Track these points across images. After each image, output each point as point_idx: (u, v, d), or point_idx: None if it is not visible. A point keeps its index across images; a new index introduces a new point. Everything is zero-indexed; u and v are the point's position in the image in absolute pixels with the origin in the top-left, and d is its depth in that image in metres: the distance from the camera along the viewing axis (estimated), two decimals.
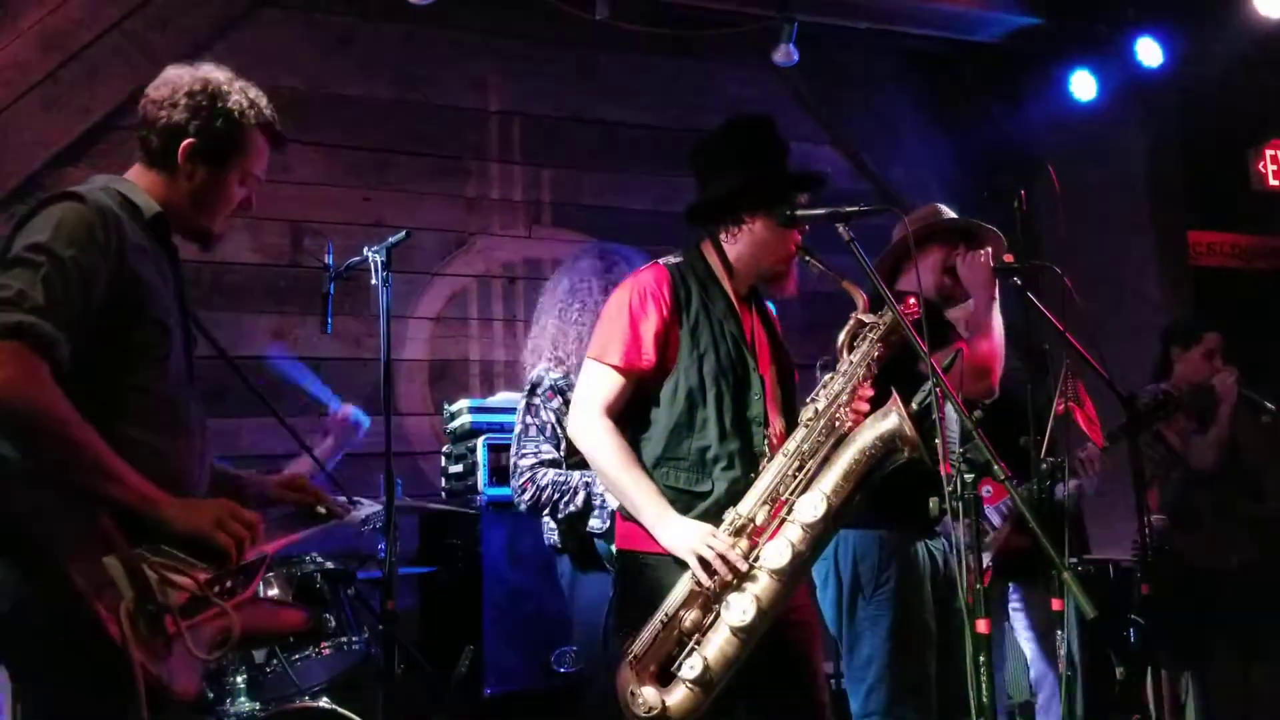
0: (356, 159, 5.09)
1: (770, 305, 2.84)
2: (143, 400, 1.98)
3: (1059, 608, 3.33)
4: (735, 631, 2.36)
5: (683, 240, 2.78)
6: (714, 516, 2.45)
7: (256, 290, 4.86)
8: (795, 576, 2.41)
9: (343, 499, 2.46)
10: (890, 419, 2.42)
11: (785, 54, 5.26)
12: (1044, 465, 3.16)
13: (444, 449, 4.71)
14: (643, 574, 2.52)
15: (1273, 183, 6.27)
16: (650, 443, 2.56)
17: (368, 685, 3.55)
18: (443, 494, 4.69)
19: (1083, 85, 5.75)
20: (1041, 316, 3.22)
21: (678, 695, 2.36)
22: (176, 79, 2.14)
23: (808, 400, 2.56)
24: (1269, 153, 6.27)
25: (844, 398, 2.50)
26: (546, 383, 3.51)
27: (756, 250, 2.64)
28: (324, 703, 3.33)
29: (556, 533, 3.51)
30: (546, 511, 3.46)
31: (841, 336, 2.58)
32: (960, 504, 2.35)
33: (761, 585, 2.38)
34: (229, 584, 1.99)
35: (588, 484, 3.36)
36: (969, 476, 2.34)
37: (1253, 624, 4.12)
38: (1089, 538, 4.75)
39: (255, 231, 4.87)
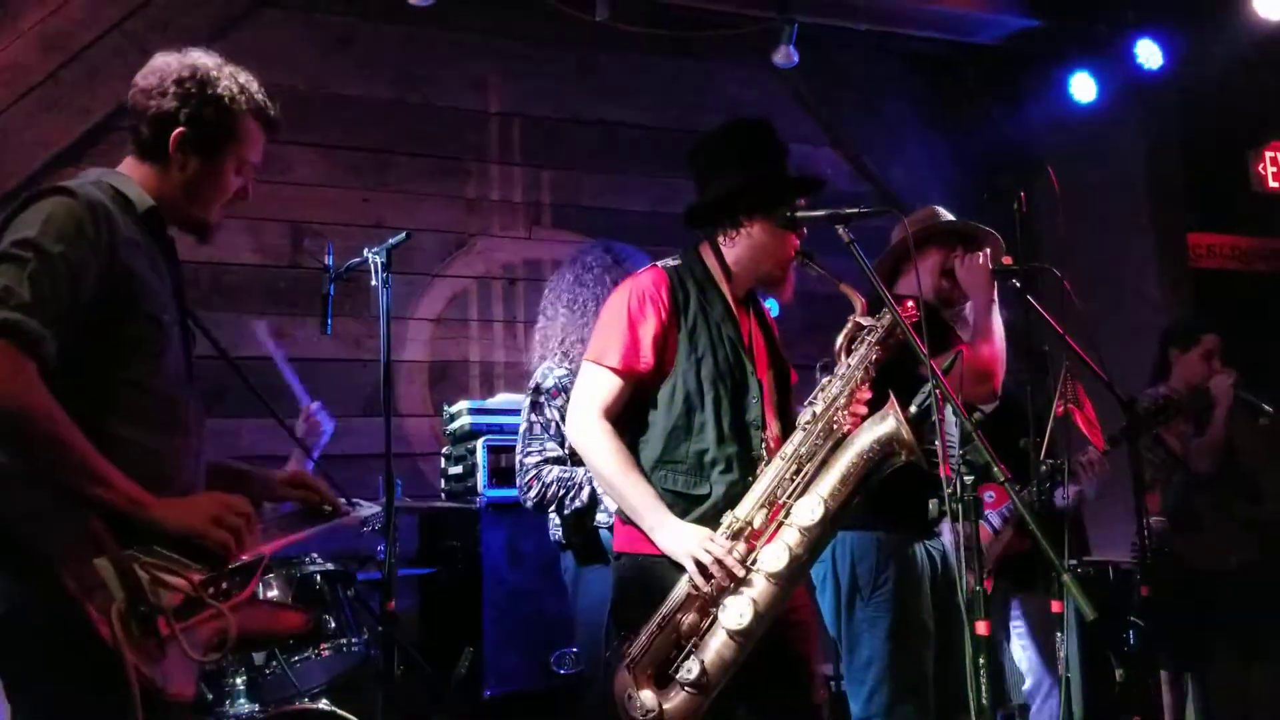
0: (356, 160, 5.09)
1: (771, 306, 2.84)
2: (136, 397, 1.94)
3: (1059, 610, 3.34)
4: (732, 635, 2.36)
5: (682, 242, 2.78)
6: (712, 520, 2.45)
7: (256, 291, 4.87)
8: (793, 580, 2.41)
9: (341, 500, 2.44)
10: (887, 422, 2.42)
11: (785, 55, 5.26)
12: (1044, 467, 3.16)
13: (444, 450, 4.71)
14: (641, 576, 2.52)
15: (1272, 184, 6.27)
16: (648, 445, 2.55)
17: (367, 687, 3.55)
18: (442, 495, 4.69)
19: (1082, 87, 5.75)
20: (1041, 318, 3.22)
21: (675, 698, 2.36)
22: (164, 67, 2.08)
23: (805, 403, 2.56)
24: (1269, 154, 6.27)
25: (841, 401, 2.50)
26: (551, 381, 3.52)
27: (755, 253, 2.64)
28: (323, 704, 3.33)
29: (561, 529, 3.52)
30: (552, 508, 3.47)
31: (840, 339, 2.58)
32: (960, 506, 2.36)
33: (759, 588, 2.38)
34: (225, 585, 1.94)
35: (592, 480, 3.37)
36: (969, 479, 2.34)
37: (1253, 625, 4.12)
38: (1089, 540, 4.76)
39: (255, 232, 4.87)
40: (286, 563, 3.46)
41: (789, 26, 5.22)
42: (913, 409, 2.46)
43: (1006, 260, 3.25)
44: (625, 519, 2.56)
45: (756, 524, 2.42)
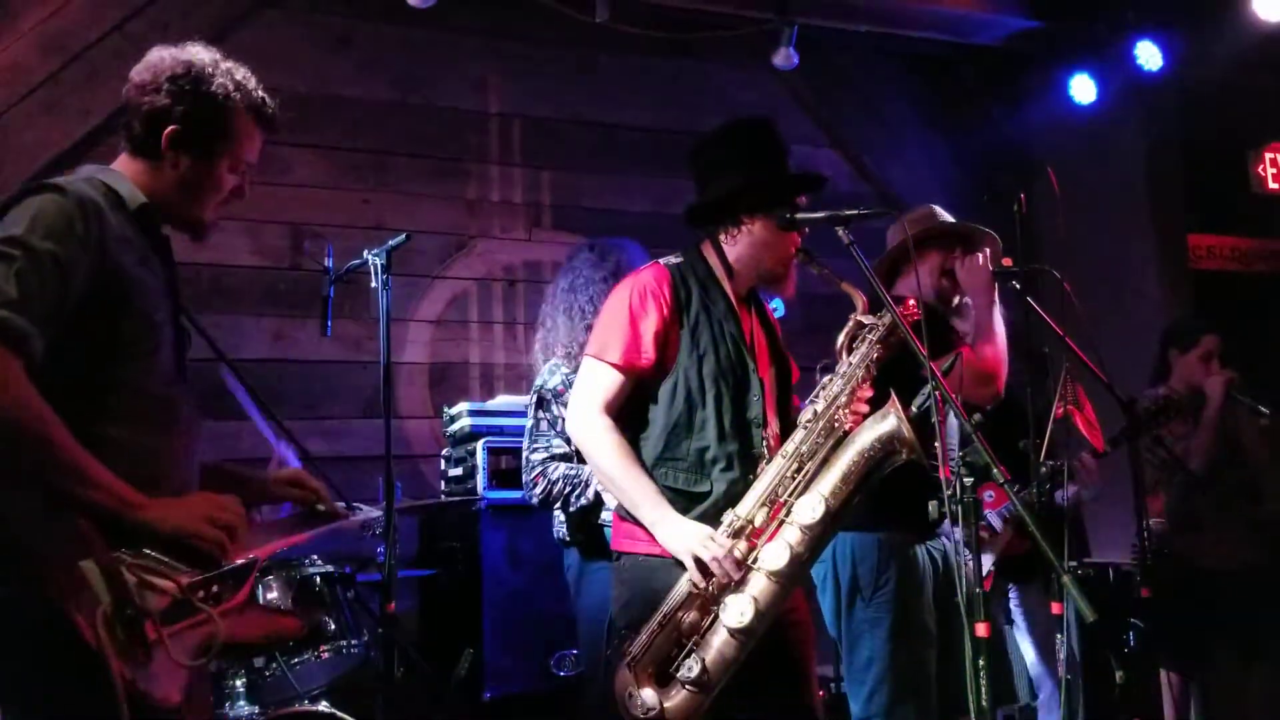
0: (356, 161, 5.09)
1: (778, 306, 2.84)
2: (128, 397, 1.91)
3: (1059, 611, 3.33)
4: (733, 633, 2.36)
5: (682, 243, 2.78)
6: (712, 517, 2.45)
7: (256, 293, 4.87)
8: (793, 578, 2.41)
9: (341, 504, 2.43)
10: (888, 421, 2.42)
11: (785, 57, 5.27)
12: (1043, 469, 3.16)
13: (444, 452, 4.71)
14: (641, 575, 2.52)
15: (1272, 185, 6.27)
16: (649, 442, 2.55)
17: (367, 688, 3.55)
18: (442, 497, 4.69)
19: (1082, 88, 5.75)
20: (1041, 319, 3.22)
21: (676, 697, 2.36)
22: (159, 62, 2.04)
23: (807, 402, 2.57)
24: (1268, 155, 6.28)
25: (843, 399, 2.50)
26: (558, 378, 3.53)
27: (756, 251, 2.64)
28: (323, 706, 3.33)
29: (566, 526, 3.52)
30: (558, 505, 3.47)
31: (841, 338, 2.58)
32: (960, 507, 2.36)
33: (759, 587, 2.38)
34: (216, 589, 1.90)
35: None
36: (969, 480, 2.34)
37: (1253, 625, 4.12)
38: (1088, 541, 4.75)
39: (255, 234, 4.87)
40: (286, 564, 3.46)
41: (788, 28, 5.22)
42: (913, 410, 2.46)
43: (1006, 261, 3.25)
44: (624, 516, 2.56)
45: (758, 522, 2.42)
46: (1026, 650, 4.08)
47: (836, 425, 2.48)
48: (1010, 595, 4.10)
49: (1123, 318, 5.44)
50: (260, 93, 2.11)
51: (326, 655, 3.40)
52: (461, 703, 4.10)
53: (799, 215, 2.59)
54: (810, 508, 2.40)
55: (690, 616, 2.40)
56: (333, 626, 3.43)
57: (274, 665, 3.28)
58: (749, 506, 2.43)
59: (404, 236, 3.37)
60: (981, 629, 2.33)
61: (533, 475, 3.50)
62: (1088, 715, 3.90)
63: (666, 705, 2.36)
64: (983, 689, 2.28)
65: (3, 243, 1.80)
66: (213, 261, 4.73)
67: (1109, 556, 4.72)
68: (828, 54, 5.83)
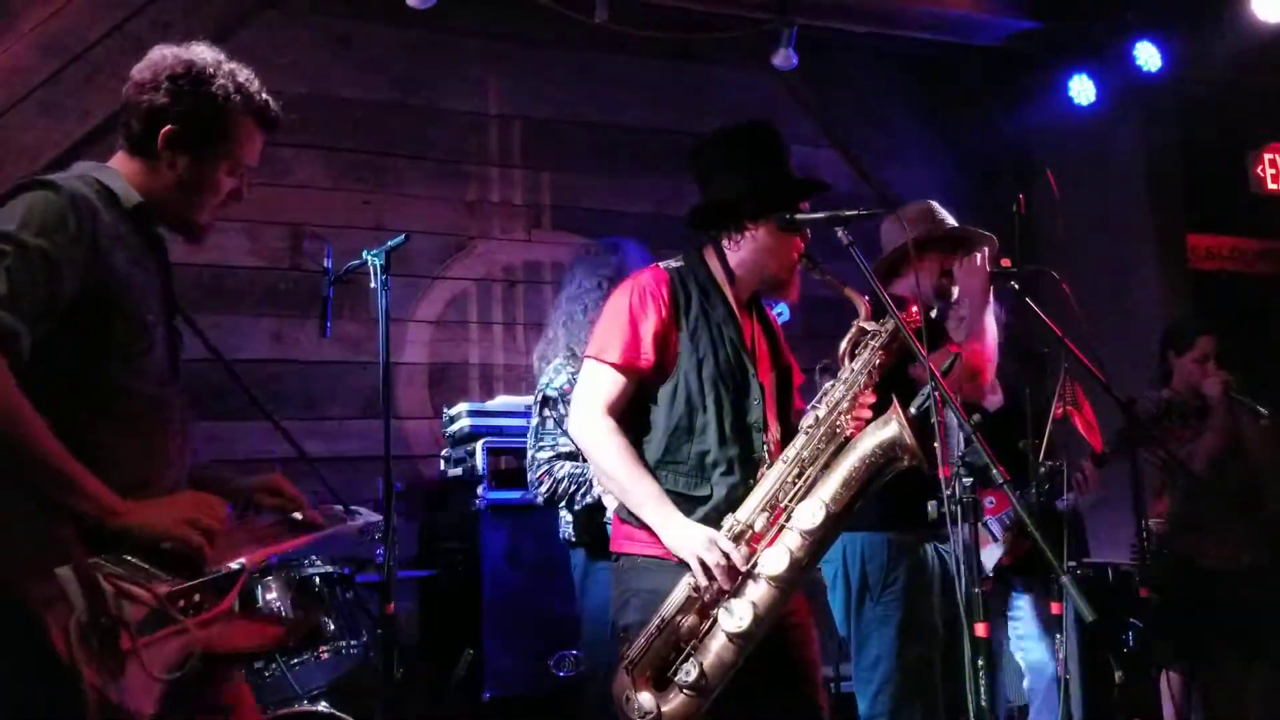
0: (356, 162, 5.09)
1: (782, 311, 2.84)
2: (117, 399, 1.88)
3: (1058, 611, 3.34)
4: (732, 638, 2.35)
5: (683, 245, 2.78)
6: (713, 521, 2.45)
7: (255, 293, 4.87)
8: (793, 583, 2.41)
9: (339, 508, 2.40)
10: (890, 427, 2.42)
11: (785, 58, 5.27)
12: (1042, 469, 3.17)
13: (443, 452, 4.71)
14: (640, 577, 2.52)
15: (1271, 186, 6.26)
16: (650, 446, 2.55)
17: (367, 688, 3.55)
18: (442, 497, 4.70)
19: (1082, 89, 5.75)
20: (1040, 320, 3.23)
21: (674, 701, 2.36)
22: (160, 60, 2.01)
23: (808, 407, 2.56)
24: (1268, 156, 6.27)
25: (845, 405, 2.50)
26: (563, 378, 3.54)
27: (760, 256, 2.64)
28: (323, 706, 3.33)
29: (572, 526, 3.52)
30: (563, 504, 3.48)
31: (843, 344, 2.57)
32: (958, 508, 2.36)
33: (759, 591, 2.37)
34: (198, 597, 1.85)
35: None
36: (967, 481, 2.34)
37: (1253, 625, 4.13)
38: (1088, 541, 4.76)
39: (254, 234, 4.87)
40: (286, 565, 3.46)
41: (788, 29, 5.22)
42: (912, 410, 2.46)
43: (1004, 262, 3.25)
44: (624, 518, 2.56)
45: (758, 527, 2.42)
46: (1030, 648, 4.07)
47: (838, 431, 2.48)
48: (1012, 598, 4.10)
49: (1122, 318, 5.44)
50: (263, 95, 2.08)
51: (326, 656, 3.40)
52: (461, 703, 4.10)
53: (800, 216, 2.59)
54: (811, 513, 2.39)
55: (689, 620, 2.40)
56: (332, 627, 3.43)
57: (274, 666, 3.28)
58: (749, 511, 2.43)
59: (403, 237, 3.37)
60: (980, 629, 2.33)
61: (538, 474, 3.51)
62: (1087, 715, 3.90)
63: (664, 709, 2.35)
64: (981, 690, 2.28)
65: None
66: (212, 262, 4.73)
67: (1109, 556, 4.72)
68: (828, 54, 5.83)
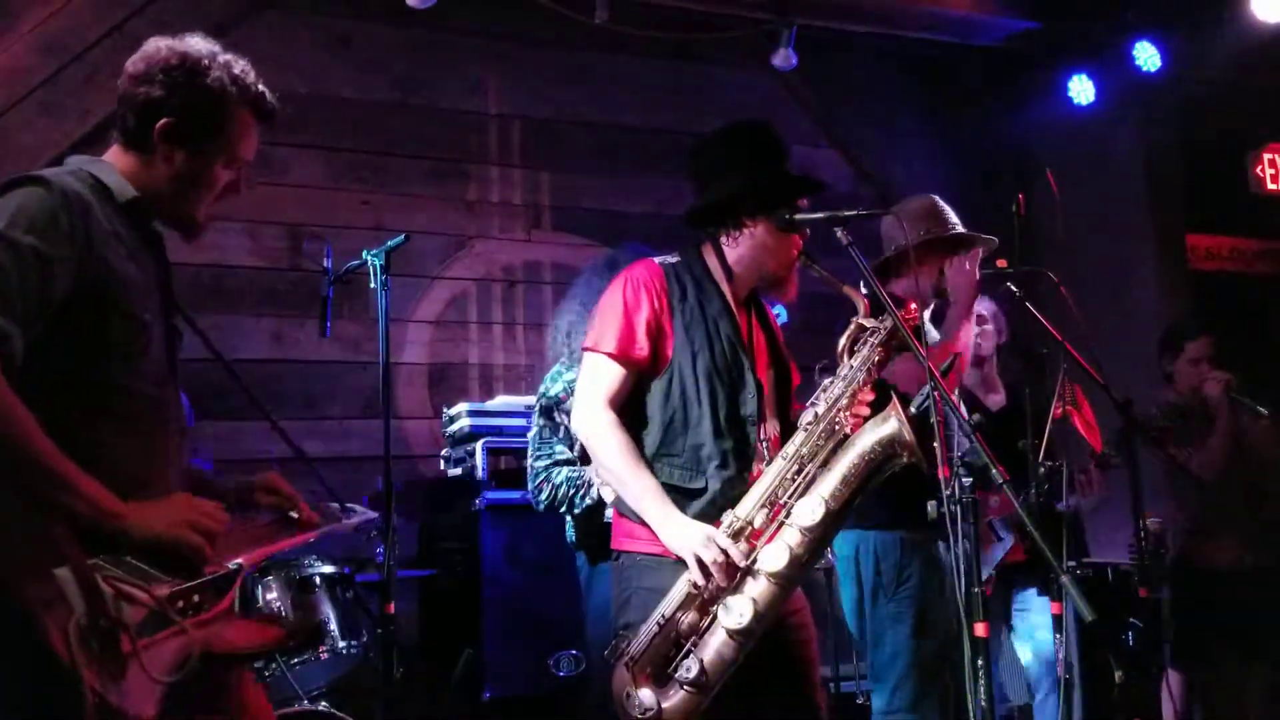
0: (356, 162, 5.10)
1: (780, 313, 2.84)
2: (114, 398, 1.84)
3: (1058, 611, 3.34)
4: (732, 634, 2.36)
5: (683, 243, 2.78)
6: (710, 517, 2.45)
7: (255, 294, 4.87)
8: (792, 580, 2.41)
9: (335, 505, 2.40)
10: (889, 423, 2.42)
11: (784, 58, 5.27)
12: (1041, 469, 3.17)
13: (443, 452, 4.71)
14: (640, 575, 2.52)
15: (1271, 186, 6.27)
16: (647, 439, 2.55)
17: (367, 689, 3.55)
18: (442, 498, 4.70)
19: (1081, 89, 5.75)
20: (1039, 320, 3.23)
21: (674, 697, 2.36)
22: (154, 53, 1.97)
23: (808, 404, 2.57)
24: (1267, 156, 6.28)
25: (844, 402, 2.50)
26: (560, 385, 3.54)
27: (759, 254, 2.64)
28: (323, 706, 3.33)
29: (574, 529, 3.54)
30: (564, 509, 3.49)
31: (842, 341, 2.58)
32: (958, 508, 2.36)
33: (759, 588, 2.37)
34: (197, 598, 1.82)
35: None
36: (967, 480, 2.34)
37: (1253, 625, 4.13)
38: (1087, 541, 4.76)
39: (254, 234, 4.88)
40: (285, 565, 3.47)
41: (788, 29, 5.23)
42: (912, 409, 2.46)
43: (1001, 263, 3.25)
44: (624, 513, 2.56)
45: (757, 524, 2.42)
46: (1023, 651, 4.08)
47: (837, 428, 2.48)
48: (1013, 598, 4.10)
49: (1122, 318, 5.45)
50: (259, 86, 2.03)
51: (326, 655, 3.41)
52: (461, 703, 4.11)
53: (799, 216, 2.59)
54: (810, 510, 2.40)
55: (689, 617, 2.40)
56: (332, 627, 3.44)
57: (274, 665, 3.29)
58: (749, 508, 2.43)
59: (403, 237, 3.38)
60: (981, 629, 2.33)
61: (537, 482, 3.54)
62: (1087, 715, 3.90)
63: (664, 706, 2.36)
64: (981, 690, 2.28)
65: None
66: (212, 262, 4.73)
67: (1108, 556, 4.72)
68: (828, 54, 5.84)
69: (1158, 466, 4.21)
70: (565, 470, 3.49)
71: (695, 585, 2.39)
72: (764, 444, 2.57)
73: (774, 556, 2.38)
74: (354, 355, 4.94)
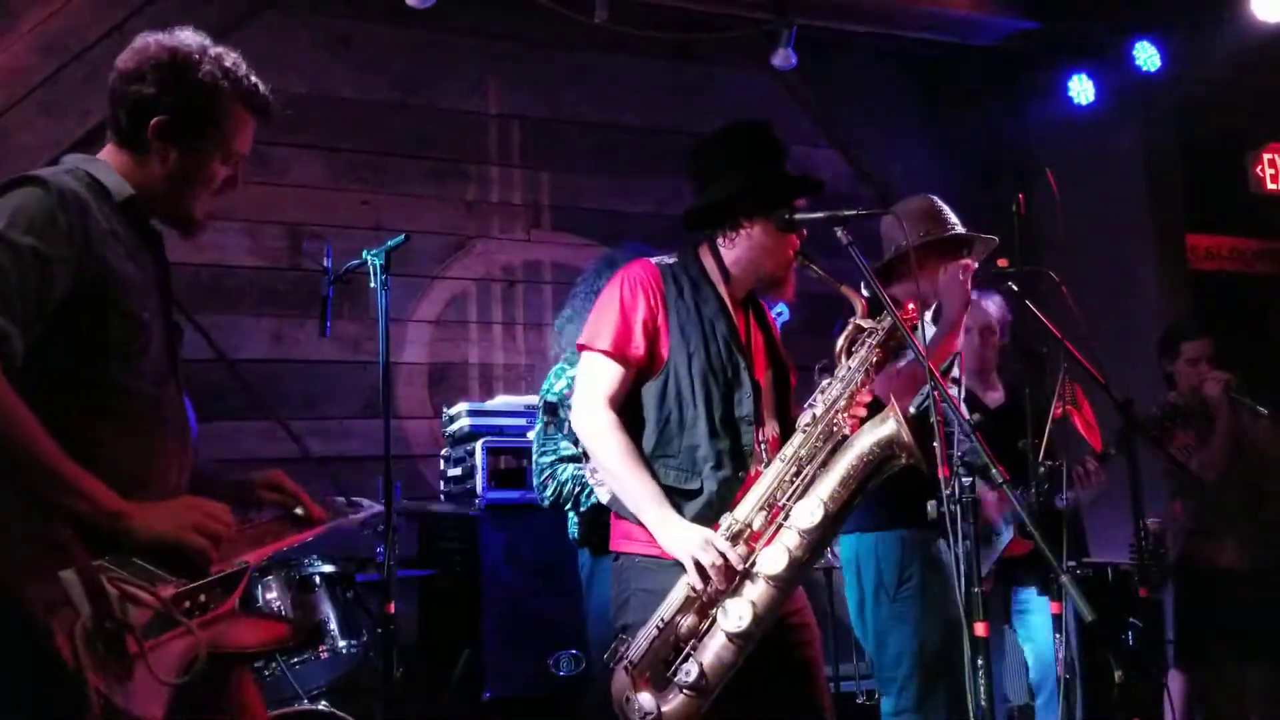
0: (356, 162, 5.10)
1: (782, 311, 2.83)
2: (114, 398, 1.83)
3: (1057, 611, 3.34)
4: (731, 637, 2.35)
5: (681, 245, 2.78)
6: (707, 519, 2.44)
7: (255, 293, 4.87)
8: (792, 582, 2.41)
9: (341, 499, 2.39)
10: (888, 424, 2.42)
11: (784, 58, 5.27)
12: (1041, 469, 3.16)
13: (443, 452, 4.71)
14: (639, 577, 2.52)
15: (1271, 186, 6.27)
16: (644, 439, 2.55)
17: (367, 689, 3.55)
18: (442, 497, 4.70)
19: (1081, 89, 5.76)
20: (1039, 320, 3.23)
21: (673, 701, 2.35)
22: (144, 49, 1.94)
23: (805, 405, 2.56)
24: (1267, 156, 6.28)
25: (842, 403, 2.50)
26: (564, 382, 3.55)
27: (756, 254, 2.64)
28: (323, 706, 3.34)
29: (578, 526, 3.54)
30: (569, 506, 3.49)
31: (840, 342, 2.57)
32: (958, 507, 2.36)
33: (758, 591, 2.37)
34: (204, 598, 1.82)
35: None
36: (967, 480, 2.34)
37: (1254, 625, 4.13)
38: (1087, 541, 4.76)
39: (254, 234, 4.88)
40: (286, 564, 3.47)
41: (787, 29, 5.23)
42: (911, 410, 2.46)
43: (1002, 263, 3.24)
44: (620, 514, 2.56)
45: (756, 526, 2.41)
46: (1027, 650, 4.08)
47: (835, 429, 2.48)
48: (1014, 597, 4.10)
49: (1122, 318, 5.45)
50: (252, 80, 2.01)
51: (326, 655, 3.41)
52: (461, 703, 4.11)
53: (798, 216, 2.59)
54: (809, 512, 2.39)
55: (688, 620, 2.39)
56: (332, 627, 3.44)
57: (274, 665, 3.29)
58: (747, 510, 2.43)
59: (403, 237, 3.38)
60: (981, 629, 2.33)
61: (542, 478, 3.54)
62: (1087, 715, 3.90)
63: (664, 709, 2.35)
64: (981, 689, 2.28)
65: None
66: (212, 262, 4.74)
67: (1108, 556, 4.72)
68: (827, 54, 5.84)
69: (1166, 469, 4.22)
70: (570, 467, 3.49)
71: (694, 589, 2.38)
72: (762, 445, 2.56)
73: (772, 559, 2.37)
74: (354, 355, 4.95)
